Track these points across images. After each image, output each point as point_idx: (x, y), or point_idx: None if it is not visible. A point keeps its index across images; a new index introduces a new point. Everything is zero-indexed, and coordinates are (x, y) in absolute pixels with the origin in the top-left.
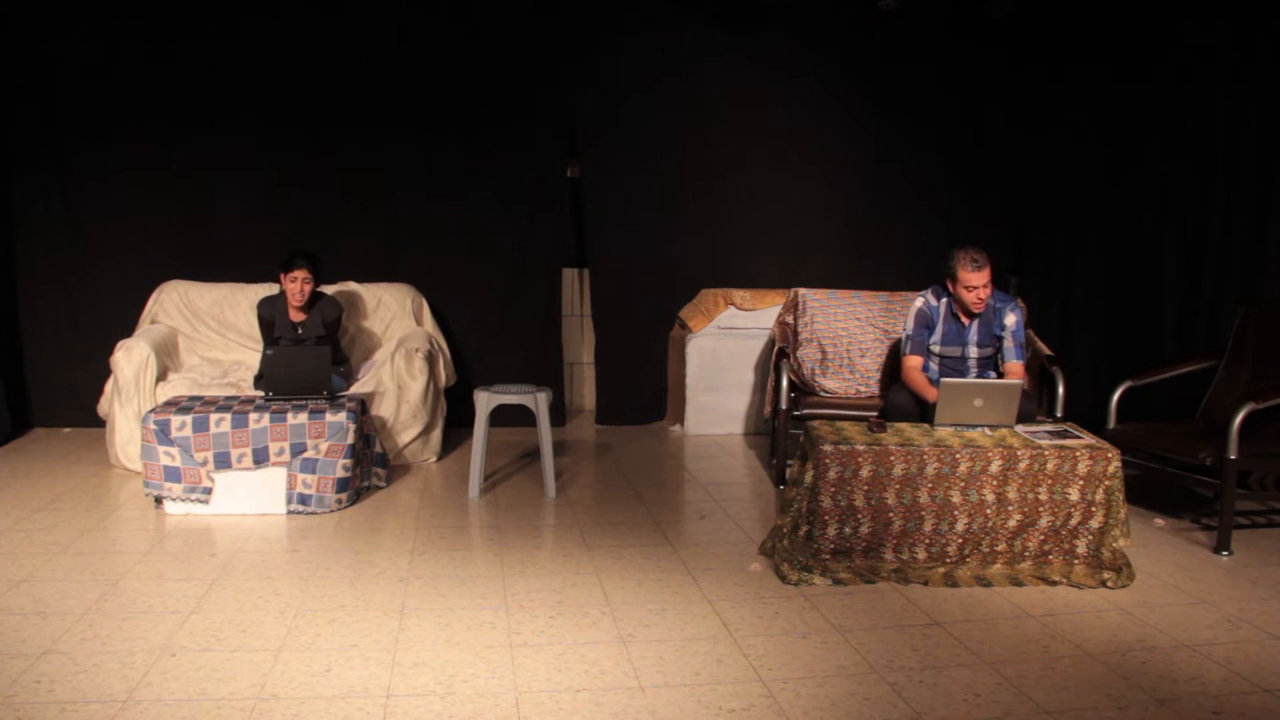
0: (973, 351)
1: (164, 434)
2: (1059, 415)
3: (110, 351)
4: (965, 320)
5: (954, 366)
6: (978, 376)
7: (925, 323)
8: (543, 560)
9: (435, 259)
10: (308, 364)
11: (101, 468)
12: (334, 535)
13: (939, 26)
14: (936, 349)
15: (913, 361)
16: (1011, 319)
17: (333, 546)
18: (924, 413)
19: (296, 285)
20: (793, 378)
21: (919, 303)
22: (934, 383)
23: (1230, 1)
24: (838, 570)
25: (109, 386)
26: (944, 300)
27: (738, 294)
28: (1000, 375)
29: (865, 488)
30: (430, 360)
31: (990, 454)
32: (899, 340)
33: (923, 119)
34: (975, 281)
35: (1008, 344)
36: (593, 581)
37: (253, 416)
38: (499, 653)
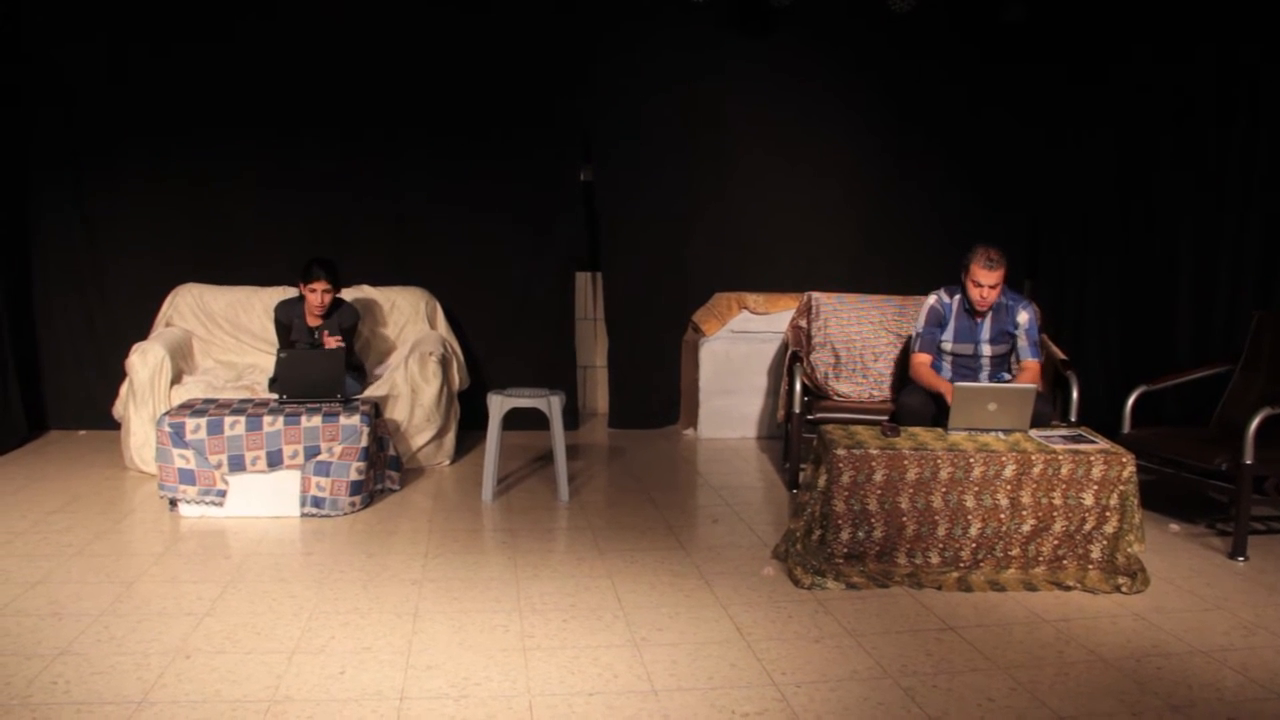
0: (985, 349)
1: (179, 437)
2: (1073, 419)
3: (125, 354)
4: (978, 317)
5: (967, 364)
6: (991, 376)
7: (937, 320)
8: (556, 564)
9: (449, 263)
10: (322, 367)
11: (116, 470)
12: (348, 538)
13: (951, 29)
14: (949, 346)
15: (921, 358)
16: (1024, 316)
17: (346, 549)
18: (936, 416)
19: (317, 296)
20: (806, 381)
21: (931, 299)
22: (942, 378)
23: (1242, 7)
24: (851, 574)
25: (124, 389)
26: (957, 297)
27: (751, 297)
28: (1014, 374)
29: (879, 492)
30: (444, 364)
31: (1004, 458)
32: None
33: (935, 122)
34: (984, 279)
35: (1021, 342)
36: (606, 585)
37: (267, 419)
38: (512, 656)
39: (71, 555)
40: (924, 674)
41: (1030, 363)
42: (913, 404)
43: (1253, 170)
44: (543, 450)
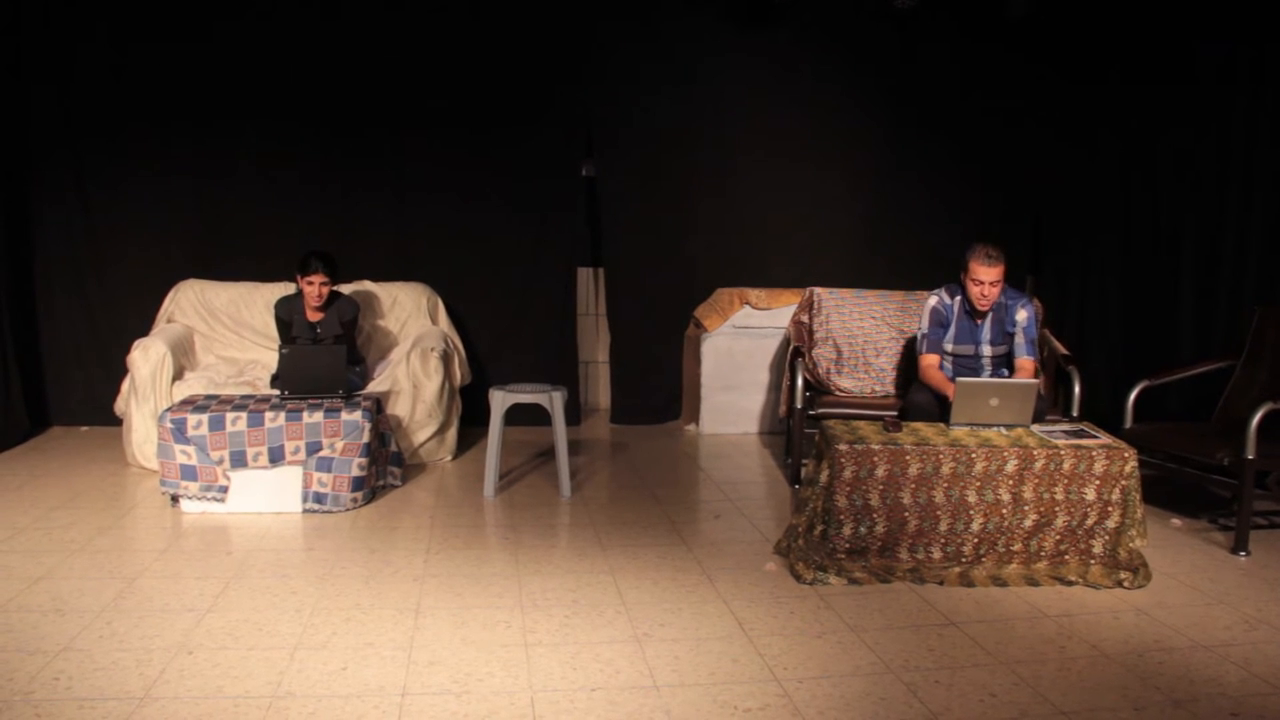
0: (986, 350)
1: (180, 433)
2: (1075, 415)
3: (127, 350)
4: (979, 319)
5: (968, 365)
6: (992, 374)
7: (939, 320)
8: (558, 559)
9: (450, 258)
10: (323, 363)
11: (118, 466)
12: (349, 534)
13: (954, 26)
14: (949, 347)
15: (929, 360)
16: (1023, 315)
17: (348, 545)
18: (943, 415)
19: (314, 289)
20: (808, 377)
21: (932, 300)
22: (950, 380)
23: (1245, 3)
24: (853, 570)
25: (126, 385)
26: (958, 298)
27: (753, 293)
28: (1012, 372)
29: (880, 487)
30: (445, 359)
31: (1006, 453)
32: (914, 338)
33: (938, 118)
34: (984, 276)
35: (1019, 340)
36: (608, 580)
37: (268, 415)
38: (514, 651)
39: (74, 551)
40: (926, 669)
41: (1024, 361)
42: (920, 400)
43: (1254, 163)
44: (545, 446)
